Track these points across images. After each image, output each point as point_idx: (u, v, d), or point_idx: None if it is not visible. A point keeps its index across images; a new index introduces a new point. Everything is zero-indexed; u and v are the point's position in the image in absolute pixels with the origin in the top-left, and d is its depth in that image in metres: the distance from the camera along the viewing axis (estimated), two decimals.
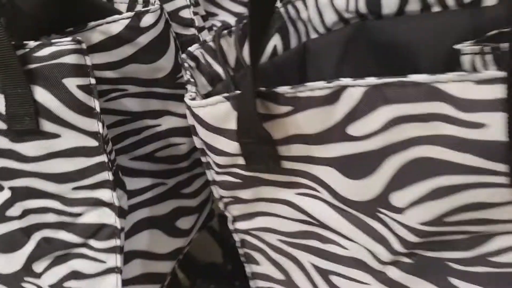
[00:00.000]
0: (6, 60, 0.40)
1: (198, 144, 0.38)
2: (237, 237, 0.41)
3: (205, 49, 0.41)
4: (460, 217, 0.28)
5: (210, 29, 0.53)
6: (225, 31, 0.43)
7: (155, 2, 0.46)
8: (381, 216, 0.31)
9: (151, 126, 0.49)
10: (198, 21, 0.50)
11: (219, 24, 0.54)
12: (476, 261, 0.30)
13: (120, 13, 0.45)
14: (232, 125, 0.34)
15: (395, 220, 0.30)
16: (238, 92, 0.33)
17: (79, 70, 0.40)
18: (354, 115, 0.29)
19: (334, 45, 0.41)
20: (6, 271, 0.47)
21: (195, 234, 0.53)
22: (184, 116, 0.49)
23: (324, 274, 0.37)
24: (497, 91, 0.25)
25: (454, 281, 0.31)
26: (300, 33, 0.44)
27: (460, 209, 0.28)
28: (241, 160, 0.35)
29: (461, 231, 0.29)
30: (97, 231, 0.44)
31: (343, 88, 0.29)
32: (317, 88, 0.30)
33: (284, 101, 0.31)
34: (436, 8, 0.37)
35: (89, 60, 0.40)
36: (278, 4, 0.45)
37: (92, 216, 0.43)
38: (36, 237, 0.45)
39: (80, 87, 0.40)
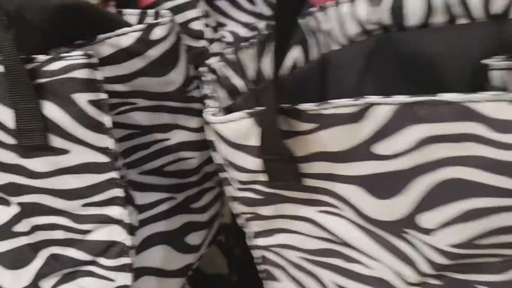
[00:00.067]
0: (15, 74, 0.39)
1: (217, 160, 0.38)
2: (256, 253, 0.40)
3: (223, 62, 0.40)
4: (492, 240, 0.27)
5: (219, 40, 0.52)
6: (245, 44, 0.42)
7: (166, 14, 0.45)
8: (408, 236, 0.30)
9: (161, 140, 0.48)
10: (208, 33, 0.49)
11: (227, 35, 0.54)
12: (509, 285, 0.29)
13: (129, 25, 0.45)
14: (253, 141, 0.33)
15: (423, 242, 0.30)
16: (261, 108, 0.32)
17: (90, 85, 0.39)
18: (381, 133, 0.28)
19: (356, 57, 0.40)
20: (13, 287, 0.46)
21: (204, 249, 0.52)
22: (193, 130, 0.48)
23: None
24: None
25: None
26: (320, 44, 0.43)
27: (493, 232, 0.27)
28: (262, 177, 0.34)
29: (493, 254, 0.28)
30: (107, 248, 0.43)
31: (370, 105, 0.28)
32: (342, 105, 0.29)
33: (307, 118, 0.31)
34: (462, 20, 0.36)
35: (100, 75, 0.39)
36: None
37: (102, 233, 0.42)
38: (44, 253, 0.44)
39: (90, 102, 0.39)
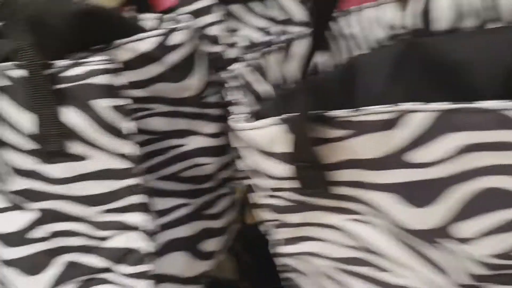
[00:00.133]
0: (36, 79, 0.39)
1: (244, 166, 0.37)
2: (281, 261, 0.40)
3: (248, 67, 0.40)
4: None
5: (234, 45, 0.52)
6: (269, 49, 0.42)
7: (184, 19, 0.45)
8: (443, 245, 0.30)
9: (177, 146, 0.47)
10: (225, 38, 0.49)
11: (241, 40, 0.53)
12: None
13: (146, 30, 0.44)
14: (282, 147, 0.33)
15: (460, 251, 0.29)
16: (292, 114, 0.32)
17: (111, 91, 0.38)
18: (417, 141, 0.28)
19: (383, 62, 0.40)
20: None
21: (220, 256, 0.51)
22: (210, 136, 0.48)
23: None
24: None
25: None
26: (343, 49, 0.43)
27: None
28: (289, 184, 0.34)
29: None
30: (125, 255, 0.42)
31: (405, 112, 0.28)
32: (376, 112, 0.29)
33: (339, 125, 0.30)
34: (493, 24, 0.36)
35: (121, 80, 0.39)
36: None
37: (120, 240, 0.42)
38: (60, 260, 0.43)
39: (111, 108, 0.38)
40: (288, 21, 0.54)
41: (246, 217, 0.63)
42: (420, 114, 0.28)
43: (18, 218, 0.44)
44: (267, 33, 0.54)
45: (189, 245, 0.48)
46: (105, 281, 0.43)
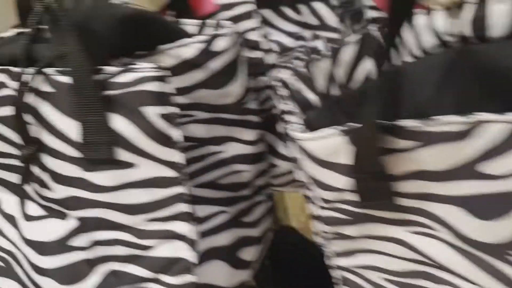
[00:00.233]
0: (84, 86, 0.38)
1: (303, 177, 0.37)
2: (336, 273, 0.39)
3: (294, 75, 0.39)
4: None
5: (270, 51, 0.52)
6: (315, 56, 0.41)
7: (227, 25, 0.44)
8: None
9: (215, 153, 0.47)
10: (264, 44, 0.49)
11: (272, 45, 0.53)
12: None
13: (190, 36, 0.44)
14: (343, 159, 0.32)
15: None
16: (357, 125, 0.31)
17: (161, 98, 0.38)
18: (490, 152, 0.28)
19: (433, 70, 0.39)
20: None
21: (257, 266, 0.51)
22: (248, 143, 0.48)
23: None
24: None
25: None
26: (393, 56, 0.42)
27: None
28: (350, 196, 0.33)
29: None
30: (169, 265, 0.41)
31: (480, 123, 0.28)
32: (449, 122, 0.28)
33: (408, 135, 0.30)
34: None
35: (170, 88, 0.38)
36: (371, 27, 0.43)
37: (165, 249, 0.41)
38: (101, 269, 0.43)
39: (160, 115, 0.38)
40: (320, 27, 0.53)
41: None
42: (497, 125, 0.27)
43: (58, 226, 0.43)
44: (298, 38, 0.54)
45: (227, 253, 0.48)
46: None
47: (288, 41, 0.53)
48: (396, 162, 0.31)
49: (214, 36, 0.43)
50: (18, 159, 0.43)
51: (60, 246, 0.43)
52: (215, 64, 0.43)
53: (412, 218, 0.33)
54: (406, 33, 0.41)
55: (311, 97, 0.41)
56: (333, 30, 0.53)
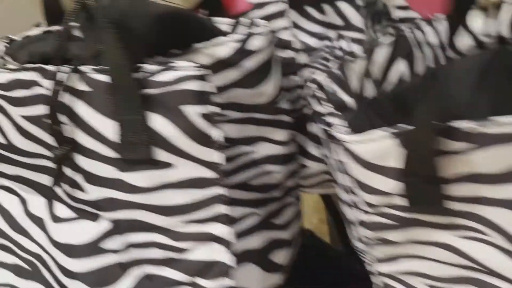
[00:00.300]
0: (122, 85, 0.37)
1: (346, 181, 0.36)
2: (378, 279, 0.38)
3: (329, 77, 0.39)
4: None
5: (300, 50, 0.51)
6: (349, 58, 0.41)
7: (261, 23, 0.44)
8: None
9: (247, 153, 0.46)
10: (296, 43, 0.48)
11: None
12: None
13: (225, 34, 0.43)
14: (393, 162, 0.32)
15: None
16: (409, 127, 0.31)
17: (201, 97, 0.37)
18: None
19: (469, 72, 0.39)
20: None
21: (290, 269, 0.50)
22: (280, 143, 0.47)
23: None
24: None
25: None
26: (427, 58, 0.42)
27: None
28: (398, 200, 0.33)
29: None
30: (206, 268, 0.41)
31: None
32: (505, 124, 0.28)
33: (462, 137, 0.29)
34: None
35: (211, 87, 0.37)
36: (405, 28, 0.43)
37: (202, 252, 0.40)
38: (135, 272, 0.42)
39: (201, 115, 0.37)
40: (345, 27, 0.53)
41: None
42: None
43: (89, 228, 0.42)
44: (322, 38, 0.53)
45: (259, 256, 0.47)
46: None
47: (312, 42, 0.52)
48: (448, 165, 0.30)
49: (249, 35, 0.42)
50: (49, 159, 0.42)
51: (91, 248, 0.42)
52: (250, 63, 0.42)
53: (462, 223, 0.32)
54: (441, 35, 0.40)
55: (346, 99, 0.41)
56: (358, 30, 0.52)
